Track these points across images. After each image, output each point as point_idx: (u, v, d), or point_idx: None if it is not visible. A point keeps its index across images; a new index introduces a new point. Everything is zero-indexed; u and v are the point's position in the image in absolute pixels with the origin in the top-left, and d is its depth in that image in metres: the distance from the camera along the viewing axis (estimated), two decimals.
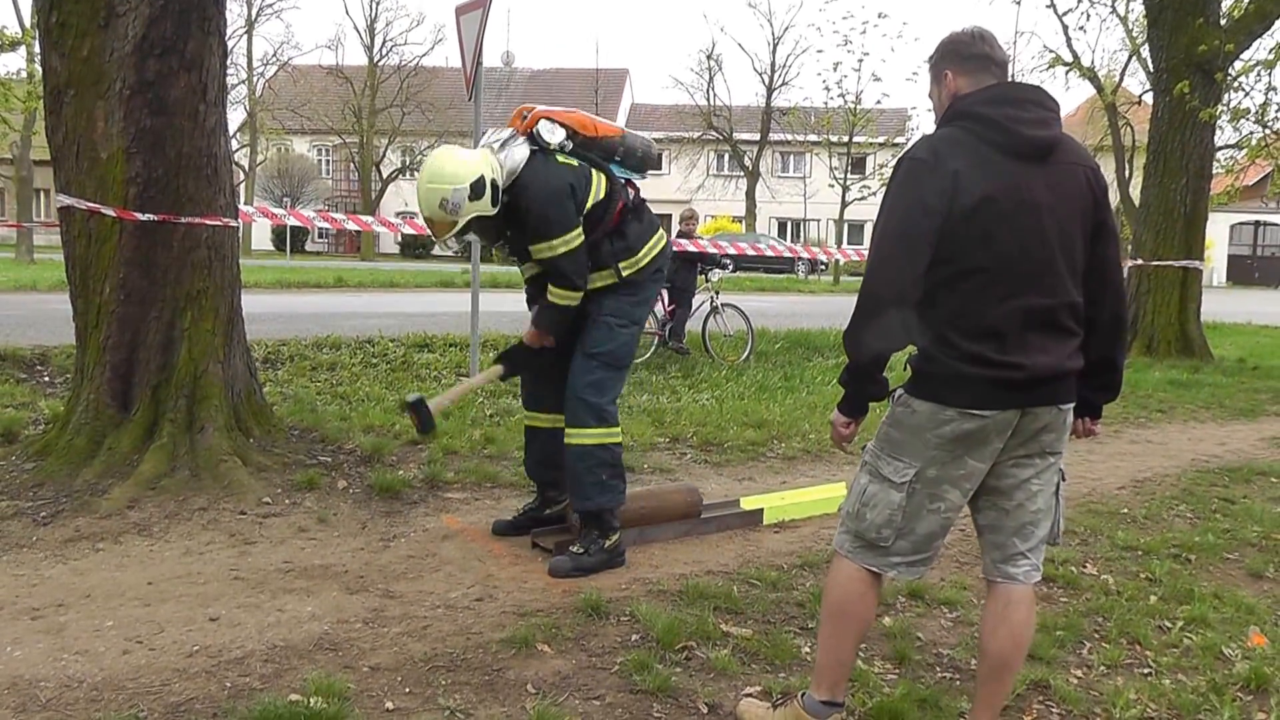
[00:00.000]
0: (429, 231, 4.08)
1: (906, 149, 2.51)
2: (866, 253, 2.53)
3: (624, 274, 4.15)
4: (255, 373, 5.55)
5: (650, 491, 4.80)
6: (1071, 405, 2.57)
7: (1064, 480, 2.66)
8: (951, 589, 4.01)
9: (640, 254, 4.18)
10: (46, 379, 7.21)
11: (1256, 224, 49.25)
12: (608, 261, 4.12)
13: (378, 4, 48.03)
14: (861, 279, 2.51)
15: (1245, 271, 49.25)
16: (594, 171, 4.13)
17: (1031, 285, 2.43)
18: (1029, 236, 2.42)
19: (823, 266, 35.82)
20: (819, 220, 44.28)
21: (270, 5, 45.25)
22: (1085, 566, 4.38)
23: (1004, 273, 2.41)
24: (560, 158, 4.06)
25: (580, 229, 4.00)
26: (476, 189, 3.85)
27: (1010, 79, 2.62)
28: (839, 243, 31.55)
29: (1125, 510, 5.33)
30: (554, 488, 4.51)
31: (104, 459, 4.69)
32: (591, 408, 4.05)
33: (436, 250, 44.59)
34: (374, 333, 10.06)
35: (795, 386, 8.71)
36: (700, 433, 6.59)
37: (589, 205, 4.06)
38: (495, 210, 3.95)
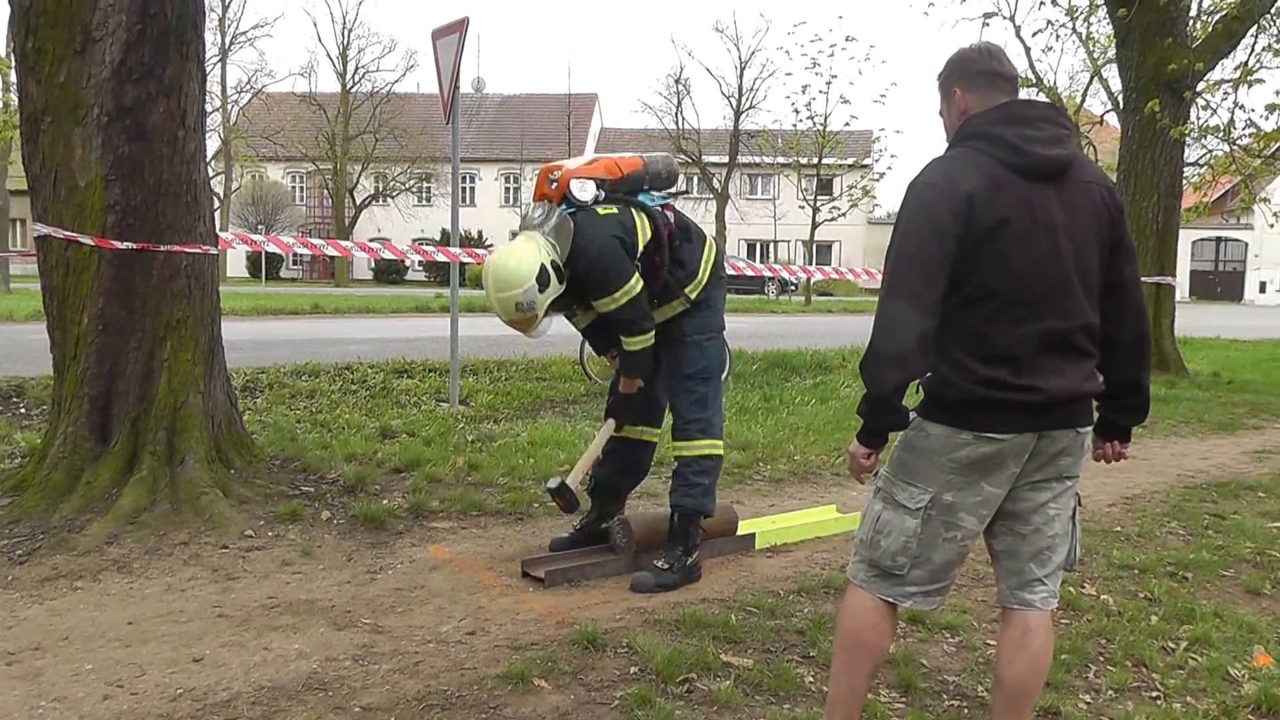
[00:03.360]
0: (515, 330, 4.16)
1: (918, 172, 2.45)
2: (880, 276, 2.47)
3: (693, 297, 4.26)
4: (235, 402, 5.44)
5: None
6: (1089, 429, 2.53)
7: (1080, 505, 2.62)
8: (952, 612, 3.95)
9: (700, 273, 4.28)
10: (23, 411, 7.06)
11: (1218, 240, 50.12)
12: (675, 292, 4.24)
13: (350, 31, 48.03)
14: (876, 303, 2.44)
15: (1208, 287, 50.06)
16: (634, 212, 4.18)
17: (1048, 308, 2.38)
18: (1045, 258, 2.37)
19: (793, 288, 35.90)
20: (788, 241, 44.49)
21: (244, 33, 45.23)
22: (1084, 586, 4.34)
23: (1020, 296, 2.36)
24: (600, 210, 4.12)
25: (637, 276, 4.07)
26: (542, 280, 3.94)
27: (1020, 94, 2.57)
28: (810, 263, 31.65)
29: (1119, 528, 5.30)
30: (616, 502, 4.63)
31: (82, 493, 4.56)
32: (698, 423, 4.25)
33: (409, 275, 44.48)
34: (353, 359, 9.95)
35: (776, 407, 8.67)
36: None
37: (640, 248, 4.13)
38: (564, 286, 4.04)
